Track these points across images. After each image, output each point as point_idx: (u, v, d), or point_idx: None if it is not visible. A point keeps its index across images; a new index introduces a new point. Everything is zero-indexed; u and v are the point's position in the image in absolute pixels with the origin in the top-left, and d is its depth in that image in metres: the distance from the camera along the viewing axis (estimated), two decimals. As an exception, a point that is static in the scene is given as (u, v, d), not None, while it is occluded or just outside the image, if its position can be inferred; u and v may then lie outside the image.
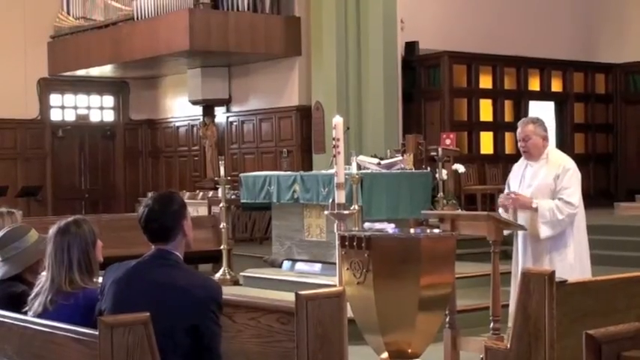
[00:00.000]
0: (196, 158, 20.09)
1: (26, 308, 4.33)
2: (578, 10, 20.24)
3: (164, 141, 21.14)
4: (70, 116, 21.15)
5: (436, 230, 6.61)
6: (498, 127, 18.14)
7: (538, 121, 7.05)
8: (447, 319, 6.65)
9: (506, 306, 6.85)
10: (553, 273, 4.49)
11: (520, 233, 6.83)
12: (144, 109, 21.32)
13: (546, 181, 6.78)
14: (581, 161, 7.35)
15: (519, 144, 7.01)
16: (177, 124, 20.77)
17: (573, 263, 6.71)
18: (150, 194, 4.19)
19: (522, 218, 6.78)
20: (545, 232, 6.67)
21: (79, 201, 20.31)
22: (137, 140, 21.56)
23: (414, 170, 11.47)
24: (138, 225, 4.12)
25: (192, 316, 3.87)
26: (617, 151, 19.83)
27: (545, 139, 6.96)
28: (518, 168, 7.11)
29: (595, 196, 17.86)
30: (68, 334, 3.77)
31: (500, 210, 7.00)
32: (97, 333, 3.49)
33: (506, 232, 6.72)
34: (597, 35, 20.24)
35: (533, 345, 4.43)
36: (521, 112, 17.68)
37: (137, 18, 17.80)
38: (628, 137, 19.54)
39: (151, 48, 17.42)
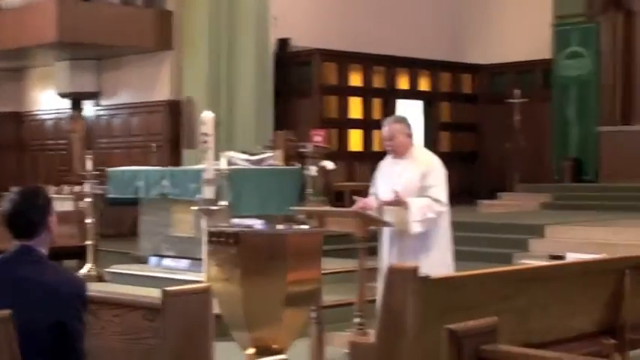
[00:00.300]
0: (63, 152, 19.69)
1: None
2: (446, 12, 20.66)
3: (30, 134, 20.65)
4: None
5: (304, 226, 6.66)
6: (368, 125, 18.36)
7: (402, 120, 7.17)
8: (313, 315, 6.70)
9: (373, 301, 6.94)
10: (417, 268, 4.57)
11: (386, 229, 6.93)
12: (9, 102, 20.75)
13: (413, 179, 6.89)
14: (446, 160, 7.49)
15: (385, 143, 7.11)
16: (44, 117, 20.32)
17: (437, 259, 6.84)
18: (14, 189, 4.10)
19: (389, 215, 6.89)
20: (416, 228, 6.77)
21: (-60, 195, 19.68)
22: (2, 133, 20.98)
23: (283, 167, 11.52)
24: (0, 220, 4.04)
25: (56, 312, 3.82)
26: (481, 150, 20.33)
27: (410, 137, 7.07)
28: (384, 166, 7.20)
29: (459, 193, 18.21)
30: None
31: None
32: (-45, 330, 3.41)
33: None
34: (464, 36, 20.70)
35: (397, 340, 4.50)
36: (390, 110, 17.93)
37: (2, 7, 17.34)
38: (491, 137, 20.04)
39: (17, 39, 16.99)
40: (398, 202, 6.74)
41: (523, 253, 11.49)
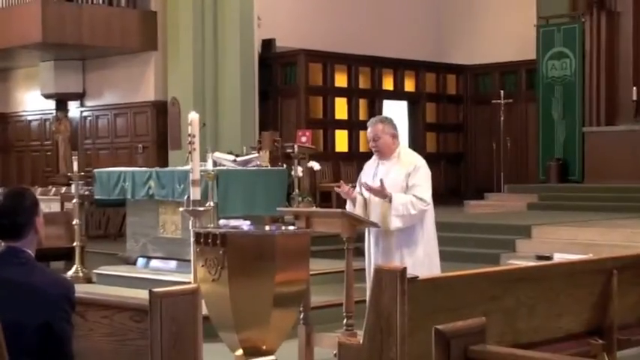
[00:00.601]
0: (49, 153, 19.64)
1: None
2: (431, 13, 20.71)
3: (15, 135, 20.59)
4: None
5: (291, 227, 6.65)
6: (353, 125, 18.38)
7: (387, 120, 7.16)
8: (302, 316, 6.70)
9: (361, 302, 6.92)
10: (405, 270, 4.58)
11: (372, 229, 6.93)
12: (-6, 102, 20.72)
13: (398, 179, 6.89)
14: (432, 160, 7.53)
15: (370, 144, 7.11)
16: (29, 117, 20.27)
17: (423, 259, 6.84)
18: (0, 190, 4.08)
19: (375, 215, 6.89)
20: (395, 223, 6.76)
21: None
22: (-14, 134, 20.95)
23: (269, 167, 11.51)
24: (-14, 222, 4.01)
25: (43, 314, 3.80)
26: (467, 150, 20.38)
27: (395, 137, 7.07)
28: (370, 166, 7.20)
29: (445, 194, 18.31)
30: None
31: (348, 206, 7.10)
32: (-58, 333, 3.39)
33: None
34: (449, 37, 20.75)
35: (385, 340, 4.51)
36: (375, 110, 17.97)
37: (-14, 8, 17.31)
38: (477, 137, 20.11)
39: (2, 39, 16.95)
40: (382, 191, 6.75)
41: (510, 254, 11.52)
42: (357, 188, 7.16)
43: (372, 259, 6.92)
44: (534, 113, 18.01)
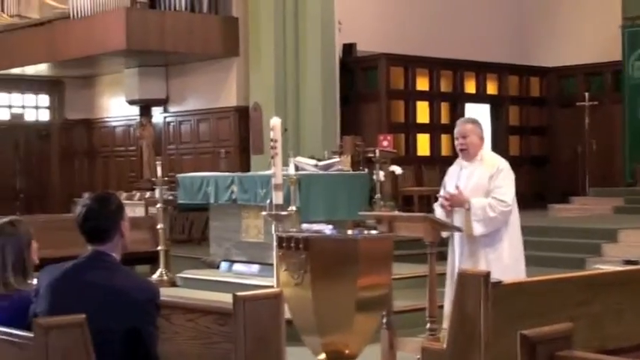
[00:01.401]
0: (133, 159, 19.92)
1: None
2: (514, 14, 20.50)
3: (100, 141, 20.92)
4: (4, 115, 20.81)
5: (373, 231, 6.63)
6: (435, 129, 18.28)
7: (476, 122, 7.14)
8: (384, 320, 6.68)
9: (442, 307, 6.90)
10: (488, 274, 4.54)
11: (457, 234, 6.89)
12: (80, 109, 21.07)
13: (481, 182, 6.85)
14: (515, 164, 7.44)
15: (457, 142, 7.05)
16: (114, 124, 20.58)
17: (509, 264, 6.78)
18: (86, 195, 4.15)
19: (459, 219, 6.84)
20: (477, 229, 6.73)
21: (14, 201, 20.01)
22: (73, 140, 21.30)
23: (351, 172, 11.52)
24: (74, 226, 4.08)
25: (129, 318, 3.84)
26: (551, 153, 20.11)
27: (482, 139, 7.05)
28: (453, 170, 7.17)
29: (529, 198, 18.07)
30: (2, 337, 3.72)
31: (437, 211, 7.05)
32: (31, 335, 3.45)
33: (444, 235, 6.77)
34: (532, 39, 20.51)
35: (469, 345, 4.47)
36: (457, 114, 17.80)
37: (73, 16, 17.59)
38: (561, 140, 19.82)
39: (87, 47, 17.24)
40: (460, 197, 6.71)
41: (596, 258, 11.35)
42: (442, 192, 7.13)
43: (456, 264, 6.87)
44: (620, 115, 17.70)
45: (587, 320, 5.01)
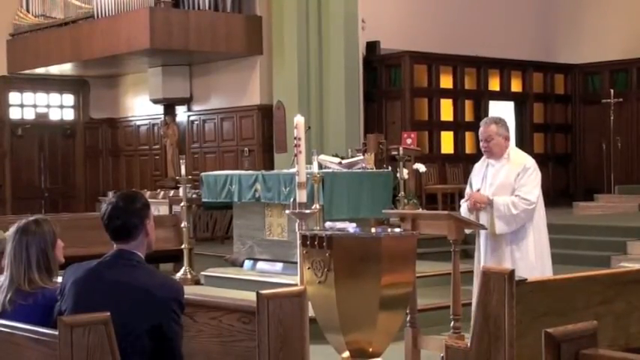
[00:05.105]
0: (157, 157, 20.00)
1: (-15, 308, 4.29)
2: (538, 11, 20.41)
3: (125, 140, 21.02)
4: (29, 115, 20.96)
5: (397, 229, 6.62)
6: (459, 126, 18.24)
7: (500, 121, 7.08)
8: (408, 318, 6.66)
9: (468, 305, 6.87)
10: (513, 272, 4.52)
11: (482, 232, 6.86)
12: (104, 108, 21.19)
13: (508, 180, 6.82)
14: (540, 161, 7.41)
15: (481, 144, 7.02)
16: (138, 122, 20.67)
17: (534, 262, 6.75)
18: (110, 193, 4.17)
19: (484, 217, 6.82)
20: (500, 227, 6.71)
21: (39, 200, 20.13)
22: (97, 139, 21.42)
23: (375, 170, 11.49)
24: (99, 224, 4.10)
25: (153, 316, 3.85)
26: (576, 151, 20.01)
27: (507, 139, 7.00)
28: (479, 167, 7.13)
29: (554, 195, 18.00)
30: (27, 335, 3.74)
31: (462, 209, 7.03)
32: (56, 333, 3.46)
33: (467, 231, 6.75)
34: (557, 36, 20.41)
35: (493, 343, 4.46)
36: (481, 111, 17.79)
37: (97, 16, 17.69)
38: (586, 138, 19.73)
39: (112, 46, 17.32)
40: (479, 196, 6.70)
41: (621, 256, 11.29)
42: (467, 189, 7.10)
43: (482, 262, 6.84)
44: (646, 112, 17.62)
45: (612, 318, 4.98)
